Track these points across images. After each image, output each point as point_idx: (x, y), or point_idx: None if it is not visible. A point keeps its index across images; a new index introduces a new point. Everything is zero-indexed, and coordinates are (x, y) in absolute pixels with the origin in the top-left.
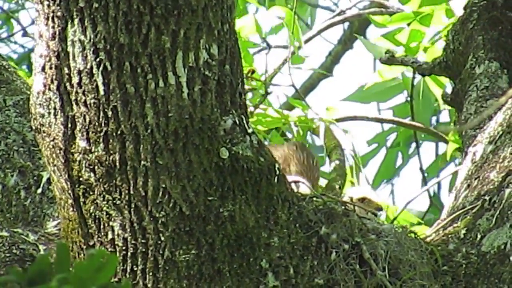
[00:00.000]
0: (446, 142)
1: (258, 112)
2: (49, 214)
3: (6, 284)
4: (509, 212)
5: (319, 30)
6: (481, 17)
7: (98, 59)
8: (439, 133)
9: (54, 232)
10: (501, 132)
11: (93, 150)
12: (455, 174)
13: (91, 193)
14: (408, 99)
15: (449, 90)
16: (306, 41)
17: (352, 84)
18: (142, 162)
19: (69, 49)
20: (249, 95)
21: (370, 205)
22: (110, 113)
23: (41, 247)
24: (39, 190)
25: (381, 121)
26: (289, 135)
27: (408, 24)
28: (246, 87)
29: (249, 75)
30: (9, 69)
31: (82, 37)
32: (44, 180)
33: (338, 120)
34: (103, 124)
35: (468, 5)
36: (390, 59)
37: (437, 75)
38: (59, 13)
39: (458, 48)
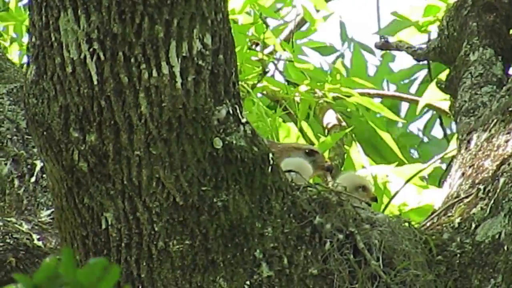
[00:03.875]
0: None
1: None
2: (43, 203)
3: None
4: (503, 201)
5: None
6: (475, 3)
7: (91, 49)
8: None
9: (47, 221)
10: (495, 120)
11: (86, 140)
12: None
13: (84, 183)
14: None
15: None
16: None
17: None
18: (136, 152)
19: (63, 38)
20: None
21: (368, 195)
22: (103, 103)
23: (35, 236)
24: (33, 179)
25: (383, 96)
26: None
27: None
28: (254, 58)
29: (252, 47)
30: (2, 57)
31: (75, 27)
32: (37, 168)
33: (339, 98)
34: (96, 114)
35: None
36: (384, 44)
37: (432, 60)
38: (52, 3)
39: (453, 34)
